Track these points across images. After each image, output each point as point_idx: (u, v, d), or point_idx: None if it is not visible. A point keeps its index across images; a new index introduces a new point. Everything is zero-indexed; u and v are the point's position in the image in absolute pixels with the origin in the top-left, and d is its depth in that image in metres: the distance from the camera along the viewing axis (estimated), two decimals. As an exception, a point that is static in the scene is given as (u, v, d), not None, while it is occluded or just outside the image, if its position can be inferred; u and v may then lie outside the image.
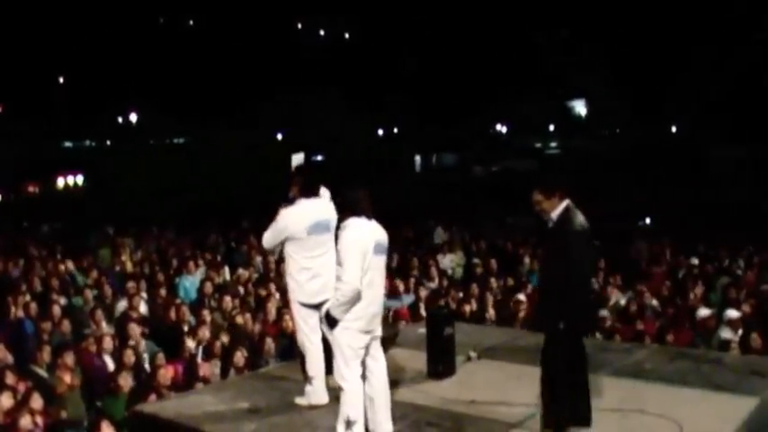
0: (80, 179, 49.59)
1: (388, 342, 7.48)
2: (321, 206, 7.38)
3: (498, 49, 55.32)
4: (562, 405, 6.51)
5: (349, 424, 6.33)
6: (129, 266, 16.98)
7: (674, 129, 54.78)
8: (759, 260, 17.45)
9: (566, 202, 6.58)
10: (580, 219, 6.56)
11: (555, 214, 6.53)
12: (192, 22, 63.87)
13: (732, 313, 11.86)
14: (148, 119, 56.24)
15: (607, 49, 47.87)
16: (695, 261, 17.54)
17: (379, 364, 6.64)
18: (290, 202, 7.44)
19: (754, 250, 18.49)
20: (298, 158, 7.84)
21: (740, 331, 11.45)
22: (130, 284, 14.32)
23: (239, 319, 12.49)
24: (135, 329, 11.39)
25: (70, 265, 16.70)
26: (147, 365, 10.70)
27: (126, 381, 9.71)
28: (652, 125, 50.74)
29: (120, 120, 58.24)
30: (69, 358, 9.96)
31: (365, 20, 59.89)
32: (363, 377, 6.51)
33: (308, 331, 7.39)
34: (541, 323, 6.55)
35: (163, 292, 14.51)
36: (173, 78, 51.86)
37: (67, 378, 9.69)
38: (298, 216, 7.31)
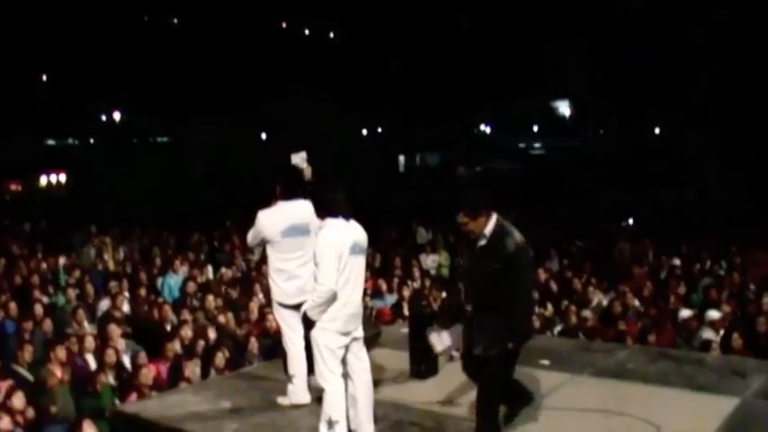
0: (63, 177, 49.41)
1: (370, 342, 7.48)
2: (300, 209, 7.34)
3: (483, 50, 55.31)
4: (494, 420, 6.45)
5: (331, 424, 6.32)
6: (111, 265, 16.93)
7: (657, 130, 54.90)
8: (742, 261, 17.52)
9: (494, 219, 6.42)
10: (516, 233, 6.42)
11: (487, 231, 6.35)
12: (176, 21, 63.66)
13: (713, 314, 11.94)
14: (132, 117, 56.04)
15: (592, 49, 47.92)
16: (677, 262, 17.61)
17: (362, 363, 6.63)
18: (271, 203, 7.46)
19: (737, 251, 18.57)
20: (299, 157, 7.82)
21: (721, 332, 11.52)
22: (113, 284, 14.29)
23: (221, 319, 12.48)
24: (115, 330, 11.35)
25: (56, 262, 16.69)
26: (128, 365, 10.68)
27: (106, 380, 9.67)
28: (636, 126, 50.84)
29: (103, 118, 57.96)
30: (61, 352, 9.95)
31: (350, 19, 59.81)
32: (346, 377, 6.50)
33: (289, 331, 7.38)
34: (485, 342, 6.25)
35: (145, 291, 14.49)
36: (157, 77, 51.61)
37: (58, 372, 9.66)
38: (273, 218, 7.32)
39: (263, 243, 7.43)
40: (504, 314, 6.19)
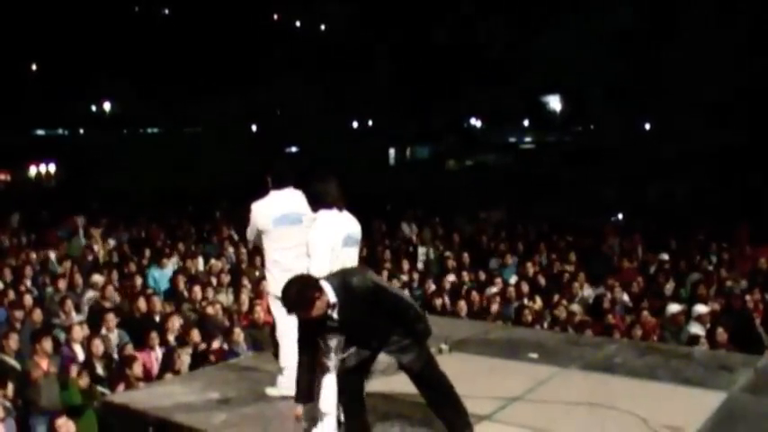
0: (52, 167, 49.30)
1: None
2: (291, 198, 7.33)
3: (473, 43, 55.32)
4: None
5: (321, 415, 6.33)
6: (101, 256, 16.90)
7: (647, 126, 55.02)
8: (730, 256, 17.57)
9: (327, 289, 6.04)
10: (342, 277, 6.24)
11: (333, 301, 6.26)
12: (167, 11, 63.52)
13: (701, 309, 11.98)
14: (122, 108, 55.98)
15: (579, 44, 47.96)
16: (665, 257, 17.65)
17: (352, 355, 6.64)
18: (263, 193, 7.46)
19: (726, 247, 18.61)
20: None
21: (708, 326, 11.57)
22: (102, 274, 14.28)
23: (210, 310, 12.48)
24: (112, 319, 11.36)
25: (48, 254, 16.67)
26: (115, 355, 10.68)
27: (80, 372, 9.65)
28: (626, 121, 50.95)
29: (93, 108, 57.89)
30: (47, 344, 9.89)
31: (342, 12, 59.75)
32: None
33: (282, 323, 7.37)
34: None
35: (135, 281, 14.47)
36: (147, 68, 51.53)
37: (44, 364, 9.62)
38: (265, 208, 7.31)
39: (258, 235, 7.42)
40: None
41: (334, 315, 5.95)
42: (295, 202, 7.26)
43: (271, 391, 7.47)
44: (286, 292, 5.79)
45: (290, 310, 5.83)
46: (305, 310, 5.80)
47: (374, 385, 7.52)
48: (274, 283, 7.23)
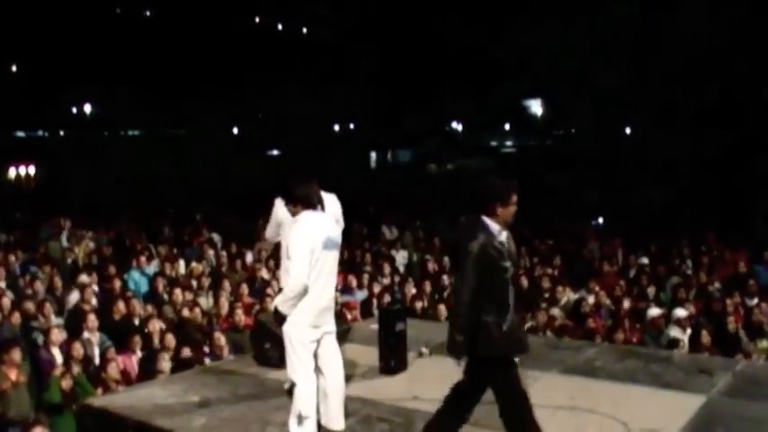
0: (32, 169, 49.03)
1: (340, 337, 7.47)
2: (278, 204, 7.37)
3: (455, 47, 55.41)
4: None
5: (301, 419, 6.32)
6: (80, 258, 16.83)
7: (628, 130, 55.23)
8: (709, 261, 17.65)
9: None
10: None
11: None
12: (149, 13, 63.33)
13: (680, 312, 12.02)
14: (103, 110, 55.72)
15: (561, 48, 48.09)
16: (645, 261, 17.72)
17: (334, 359, 6.63)
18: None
19: (704, 251, 18.70)
20: None
21: (688, 330, 11.62)
22: (82, 277, 14.21)
23: (190, 313, 12.45)
24: (93, 321, 11.31)
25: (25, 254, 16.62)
26: (96, 359, 10.63)
27: (63, 374, 9.55)
28: (607, 126, 51.13)
29: (74, 110, 57.61)
30: (16, 354, 9.69)
31: (324, 15, 59.73)
32: (318, 372, 6.50)
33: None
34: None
35: (115, 284, 14.41)
36: (128, 70, 51.33)
37: (12, 375, 9.49)
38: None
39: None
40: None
41: (503, 238, 6.12)
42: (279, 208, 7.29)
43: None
44: (487, 183, 6.18)
45: (490, 197, 6.08)
46: (502, 201, 6.08)
47: (356, 388, 7.54)
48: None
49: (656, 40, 43.16)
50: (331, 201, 7.33)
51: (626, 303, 13.70)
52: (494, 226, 6.04)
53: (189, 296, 13.50)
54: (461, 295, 5.97)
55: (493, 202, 6.10)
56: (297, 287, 6.29)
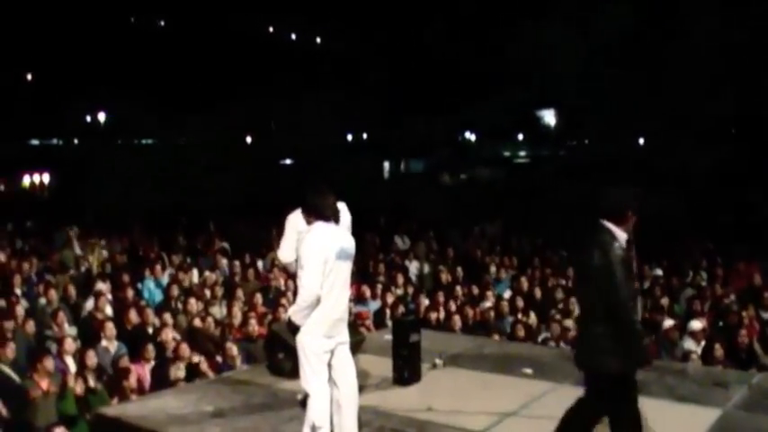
0: (46, 177, 49.23)
1: (354, 348, 7.46)
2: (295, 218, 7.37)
3: (468, 57, 55.46)
4: None
5: (314, 429, 6.31)
6: (94, 267, 16.84)
7: (641, 140, 55.21)
8: (723, 273, 17.56)
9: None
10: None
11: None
12: (162, 23, 63.60)
13: (695, 325, 11.96)
14: (117, 118, 55.90)
15: (574, 59, 48.08)
16: (659, 272, 17.65)
17: (347, 369, 6.62)
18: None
19: (719, 263, 18.60)
20: None
21: (703, 342, 11.56)
22: (97, 285, 14.21)
23: (204, 323, 12.44)
24: (111, 329, 11.32)
25: (39, 262, 16.63)
26: (109, 368, 10.63)
27: (74, 384, 9.52)
28: (620, 136, 51.12)
29: (88, 119, 57.81)
30: (49, 363, 9.67)
31: (337, 25, 59.89)
32: (332, 382, 6.49)
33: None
34: None
35: (129, 293, 14.42)
36: (142, 79, 51.50)
37: (44, 384, 9.48)
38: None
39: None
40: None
41: (623, 241, 6.02)
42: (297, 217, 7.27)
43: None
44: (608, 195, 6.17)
45: (627, 205, 6.08)
46: (634, 209, 6.06)
47: (369, 399, 7.53)
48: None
49: (670, 51, 43.11)
50: (343, 209, 7.33)
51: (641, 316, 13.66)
52: (621, 234, 6.00)
53: (202, 305, 13.50)
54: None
55: (627, 210, 6.10)
56: (309, 297, 6.29)
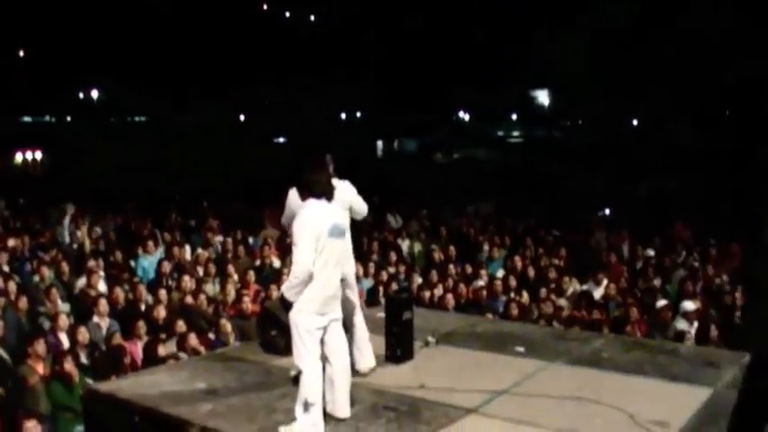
0: (39, 155, 49.05)
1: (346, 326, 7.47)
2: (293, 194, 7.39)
3: (463, 36, 55.34)
4: None
5: (307, 406, 6.32)
6: (87, 244, 16.80)
7: (635, 122, 55.21)
8: (717, 254, 17.60)
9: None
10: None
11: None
12: (157, 0, 63.30)
13: (688, 305, 12.01)
14: (110, 96, 55.73)
15: (569, 40, 48.04)
16: (651, 253, 17.68)
17: (340, 346, 6.65)
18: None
19: (713, 244, 18.63)
20: None
21: (695, 323, 11.60)
22: (90, 263, 14.19)
23: (197, 300, 12.45)
24: (104, 305, 11.32)
25: (31, 239, 16.60)
26: (102, 345, 10.64)
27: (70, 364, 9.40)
28: (614, 117, 51.13)
29: (81, 96, 57.64)
30: (40, 347, 9.66)
31: (333, 3, 59.66)
32: (324, 359, 6.50)
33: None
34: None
35: (121, 270, 14.42)
36: (136, 56, 51.28)
37: (40, 368, 9.44)
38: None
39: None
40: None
41: None
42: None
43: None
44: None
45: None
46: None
47: (361, 378, 7.53)
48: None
49: (665, 30, 43.08)
50: (344, 187, 7.38)
51: (632, 295, 13.69)
52: None
53: (194, 282, 13.49)
54: None
55: None
56: (301, 274, 6.30)
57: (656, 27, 44.06)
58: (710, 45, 40.08)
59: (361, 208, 7.77)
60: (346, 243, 7.21)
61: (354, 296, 7.80)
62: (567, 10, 47.81)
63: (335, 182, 7.16)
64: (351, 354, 7.18)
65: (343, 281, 7.11)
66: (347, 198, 7.51)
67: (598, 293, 13.81)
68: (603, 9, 45.83)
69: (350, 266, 7.69)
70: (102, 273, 13.85)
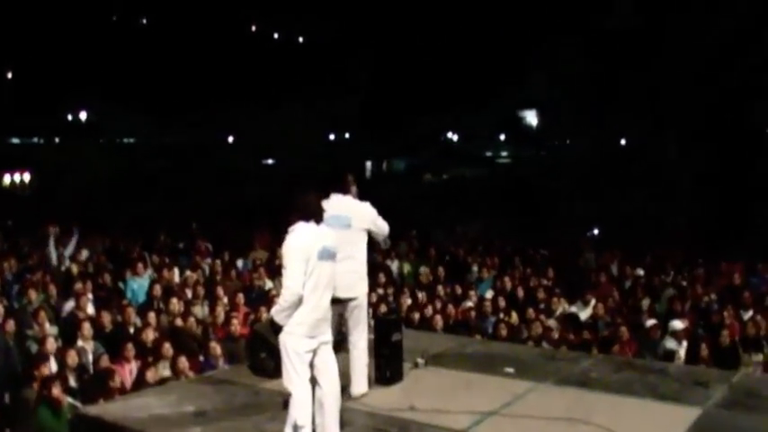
0: (27, 177, 48.92)
1: (336, 347, 7.47)
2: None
3: (451, 57, 55.49)
4: None
5: (296, 429, 6.32)
6: (74, 267, 16.73)
7: (623, 141, 55.38)
8: (704, 273, 17.64)
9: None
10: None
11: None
12: (145, 21, 63.30)
13: (677, 324, 12.03)
14: (98, 117, 55.62)
15: (557, 60, 48.22)
16: (641, 272, 17.71)
17: (330, 369, 6.64)
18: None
19: (701, 263, 18.68)
20: None
21: (684, 342, 11.62)
22: (78, 285, 14.14)
23: (186, 322, 12.41)
24: (88, 329, 11.27)
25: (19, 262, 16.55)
26: (90, 368, 10.60)
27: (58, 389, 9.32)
28: (602, 136, 51.28)
29: (69, 117, 57.52)
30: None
31: (320, 24, 59.76)
32: (314, 382, 6.49)
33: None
34: None
35: (110, 292, 14.38)
36: (124, 77, 51.26)
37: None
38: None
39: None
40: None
41: None
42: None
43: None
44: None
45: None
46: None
47: (351, 400, 7.52)
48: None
49: (653, 50, 43.28)
50: (364, 208, 7.78)
51: (621, 315, 13.71)
52: None
53: (183, 305, 13.44)
54: None
55: None
56: (291, 297, 6.31)
57: (643, 47, 44.26)
58: (697, 62, 40.30)
59: (382, 228, 7.89)
60: (354, 266, 7.44)
61: (364, 321, 7.83)
62: (555, 30, 48.00)
63: (356, 203, 7.30)
64: (346, 376, 7.19)
65: (353, 301, 7.33)
66: (368, 219, 7.60)
67: (586, 313, 13.82)
68: (592, 28, 46.06)
69: (362, 289, 7.77)
70: (90, 295, 13.80)
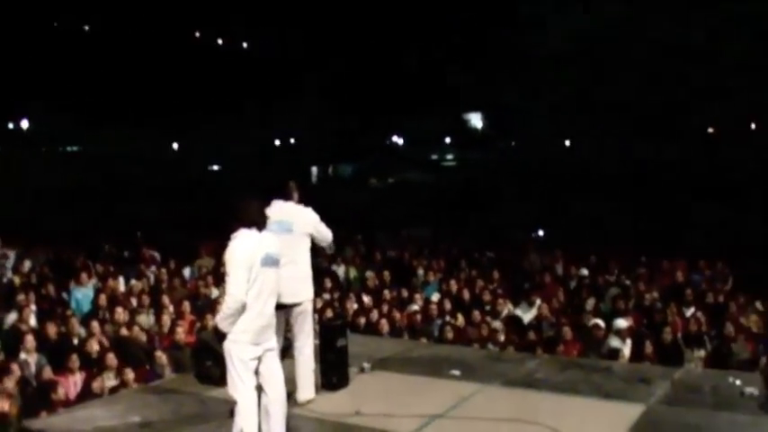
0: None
1: (281, 354, 7.46)
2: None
3: (395, 62, 55.70)
4: None
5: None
6: (17, 278, 16.52)
7: (567, 143, 55.91)
8: (647, 272, 17.84)
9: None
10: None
11: None
12: (87, 28, 62.66)
13: (621, 323, 12.14)
14: (40, 125, 54.97)
15: (502, 63, 48.56)
16: (585, 272, 17.86)
17: (276, 376, 6.61)
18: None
19: (644, 262, 18.88)
20: None
21: (628, 340, 11.75)
22: (20, 297, 13.95)
23: (131, 332, 12.30)
24: (31, 341, 11.11)
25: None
26: (33, 380, 10.45)
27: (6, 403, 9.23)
28: (546, 138, 51.71)
29: (10, 126, 56.80)
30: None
31: (265, 30, 59.64)
32: (259, 389, 6.48)
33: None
34: None
35: (53, 303, 14.20)
36: (67, 85, 50.71)
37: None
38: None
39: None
40: None
41: None
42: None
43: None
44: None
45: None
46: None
47: (297, 406, 7.50)
48: None
49: (598, 54, 43.78)
50: (306, 214, 7.78)
51: (565, 315, 13.81)
52: None
53: (128, 314, 13.32)
54: None
55: None
56: (234, 304, 6.28)
57: (589, 47, 44.75)
58: (643, 66, 40.83)
59: (325, 235, 7.91)
60: (296, 271, 7.46)
61: (309, 326, 7.82)
62: (501, 34, 48.35)
63: (299, 208, 7.30)
64: (292, 382, 7.18)
65: (298, 306, 7.38)
66: (310, 224, 7.61)
67: (532, 314, 13.92)
68: (538, 32, 46.44)
69: (306, 294, 7.77)
70: (33, 307, 13.62)
